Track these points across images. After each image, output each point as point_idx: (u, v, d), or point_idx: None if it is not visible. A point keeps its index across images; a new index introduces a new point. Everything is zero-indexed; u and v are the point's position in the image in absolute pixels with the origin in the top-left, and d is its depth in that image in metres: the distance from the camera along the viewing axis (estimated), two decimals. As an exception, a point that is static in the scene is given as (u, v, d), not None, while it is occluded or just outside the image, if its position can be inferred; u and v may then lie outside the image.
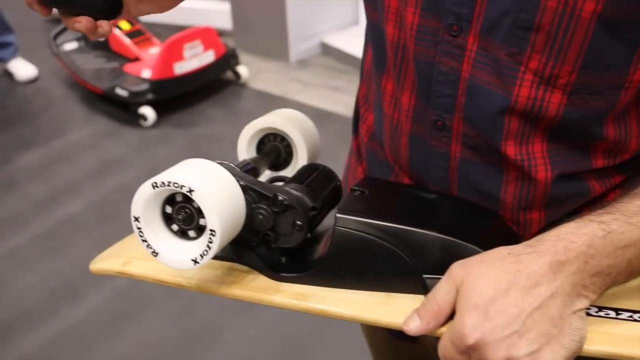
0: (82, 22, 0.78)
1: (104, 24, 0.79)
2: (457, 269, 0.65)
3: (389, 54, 0.84)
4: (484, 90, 0.76)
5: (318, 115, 3.54)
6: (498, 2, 0.71)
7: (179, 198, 0.71)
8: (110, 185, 3.17)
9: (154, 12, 0.84)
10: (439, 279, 0.67)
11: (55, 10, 0.81)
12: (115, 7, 0.81)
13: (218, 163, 0.74)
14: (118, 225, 2.86)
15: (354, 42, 4.22)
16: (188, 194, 0.68)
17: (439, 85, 0.79)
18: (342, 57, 4.19)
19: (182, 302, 2.43)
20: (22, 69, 4.17)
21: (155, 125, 3.61)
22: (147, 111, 3.60)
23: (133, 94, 3.58)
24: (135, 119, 3.62)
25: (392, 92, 0.86)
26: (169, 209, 0.72)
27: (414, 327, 0.66)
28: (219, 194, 0.70)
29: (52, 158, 3.43)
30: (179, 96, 3.74)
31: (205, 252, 0.70)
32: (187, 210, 0.71)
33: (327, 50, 4.32)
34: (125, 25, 3.96)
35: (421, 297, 0.70)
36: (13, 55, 4.17)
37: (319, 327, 2.25)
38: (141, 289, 2.48)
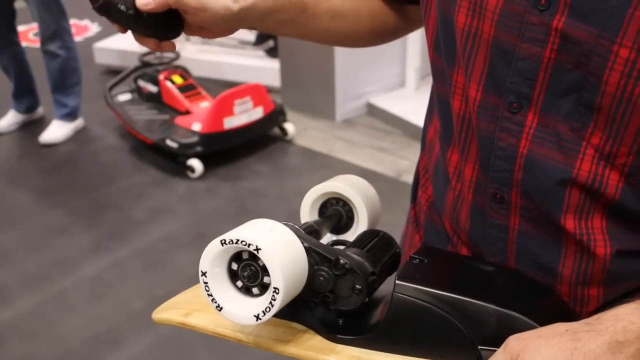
0: (150, 44, 0.92)
1: (166, 45, 0.93)
2: (514, 342, 0.65)
3: (455, 127, 0.86)
4: (543, 165, 0.77)
5: (362, 175, 3.49)
6: (561, 81, 0.73)
7: (245, 256, 0.73)
8: (156, 234, 3.21)
9: (209, 37, 0.97)
10: (494, 351, 0.67)
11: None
12: (177, 31, 0.93)
13: (284, 224, 0.76)
14: (162, 273, 2.91)
15: (399, 103, 4.26)
16: (255, 252, 0.70)
17: (497, 160, 0.80)
18: (387, 118, 4.22)
19: (222, 353, 2.43)
20: (52, 131, 4.11)
21: (202, 177, 3.65)
22: (195, 163, 3.65)
23: (182, 146, 3.64)
24: (183, 170, 3.67)
25: (456, 164, 0.88)
26: (234, 266, 0.74)
27: None
28: (284, 254, 0.72)
29: (102, 204, 3.50)
30: (227, 150, 3.79)
31: (267, 309, 0.72)
32: (252, 267, 0.73)
33: (372, 110, 4.35)
34: (177, 79, 4.05)
35: (476, 367, 0.71)
36: (61, 118, 4.16)
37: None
38: (183, 338, 2.50)
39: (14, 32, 4.06)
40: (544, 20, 0.72)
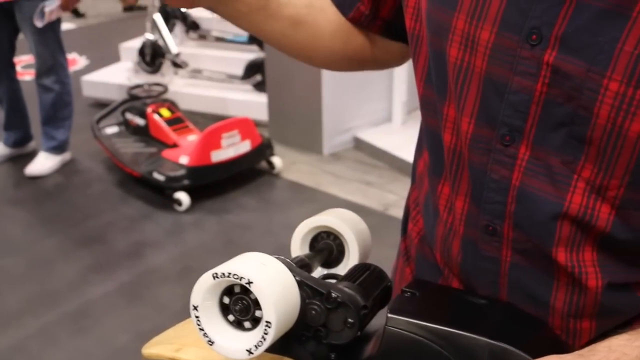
0: None
1: None
2: None
3: (446, 160, 0.86)
4: (535, 197, 0.77)
5: (349, 209, 3.55)
6: (552, 114, 0.74)
7: (237, 289, 0.73)
8: (142, 268, 3.19)
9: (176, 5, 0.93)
10: None
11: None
12: None
13: (275, 257, 0.76)
14: (148, 307, 2.88)
15: (386, 138, 4.29)
16: (247, 285, 0.70)
17: (490, 192, 0.81)
18: (374, 152, 4.25)
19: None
20: (39, 162, 4.12)
21: (189, 210, 3.66)
22: (182, 196, 3.65)
23: (169, 179, 3.65)
24: (169, 204, 3.68)
25: (448, 197, 0.88)
26: (226, 300, 0.73)
27: None
28: (276, 288, 0.71)
29: (88, 237, 3.48)
30: (214, 183, 3.79)
31: (259, 344, 0.71)
32: (244, 301, 0.73)
33: (359, 145, 4.38)
34: (165, 112, 4.06)
35: (469, 401, 0.70)
36: (48, 150, 4.17)
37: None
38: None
39: (12, 68, 4.10)
40: (536, 54, 0.73)
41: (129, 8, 5.59)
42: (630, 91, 0.68)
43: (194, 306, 0.73)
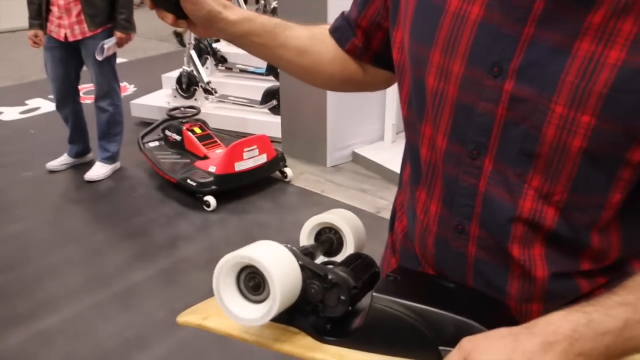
0: (169, 19, 0.93)
1: (180, 22, 0.94)
2: (466, 343, 0.66)
3: (423, 170, 0.86)
4: (496, 202, 0.77)
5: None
6: (509, 133, 0.74)
7: (250, 270, 0.74)
8: (177, 257, 3.19)
9: (194, 32, 0.97)
10: (451, 350, 0.68)
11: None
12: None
13: (284, 245, 0.77)
14: (181, 289, 2.89)
15: (379, 153, 4.27)
16: (258, 267, 0.71)
17: (460, 197, 0.81)
18: (369, 165, 4.24)
19: (231, 355, 2.41)
20: (95, 170, 4.12)
21: (216, 211, 3.65)
22: (210, 199, 3.64)
23: (200, 185, 3.64)
24: (200, 205, 3.67)
25: (424, 201, 0.88)
26: (242, 278, 0.75)
27: None
28: (281, 269, 0.73)
29: (133, 231, 3.49)
30: (237, 189, 3.78)
31: (267, 314, 0.73)
32: (256, 279, 0.74)
33: (357, 159, 4.36)
34: (198, 130, 4.06)
35: (437, 364, 0.71)
36: (102, 160, 4.17)
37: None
38: (198, 342, 2.48)
39: (77, 93, 4.12)
40: (497, 83, 0.73)
41: (178, 35, 5.55)
42: (572, 114, 0.69)
43: (215, 282, 0.74)
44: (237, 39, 0.97)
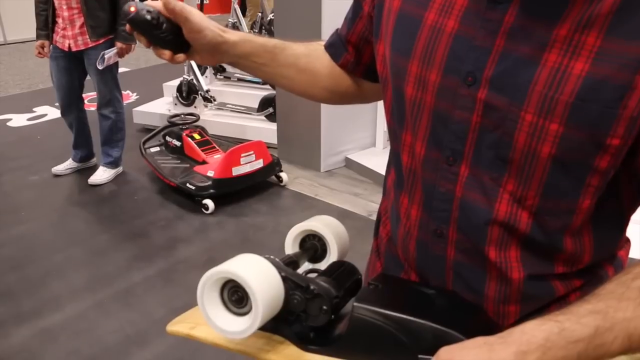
0: (166, 55, 0.91)
1: (178, 57, 0.93)
2: (444, 353, 0.65)
3: (404, 176, 0.86)
4: (472, 206, 0.77)
5: (341, 214, 3.54)
6: (484, 140, 0.74)
7: (233, 284, 0.72)
8: (176, 258, 3.17)
9: (197, 61, 0.97)
10: (430, 358, 0.66)
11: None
12: (186, 48, 0.93)
13: (265, 258, 0.75)
14: (180, 289, 2.87)
15: (370, 159, 4.27)
16: (239, 282, 0.70)
17: (438, 202, 0.80)
18: (361, 170, 4.23)
19: (226, 352, 2.39)
20: (98, 174, 4.10)
21: (214, 213, 3.63)
22: (209, 202, 3.63)
23: (199, 188, 3.63)
24: (198, 208, 3.65)
25: (406, 206, 0.87)
26: (225, 291, 0.73)
27: None
28: (263, 283, 0.71)
29: (134, 233, 3.46)
30: (234, 192, 3.77)
31: (250, 327, 0.71)
32: (239, 293, 0.72)
33: (349, 164, 4.36)
34: (197, 136, 4.04)
35: (416, 372, 0.70)
36: (105, 165, 4.15)
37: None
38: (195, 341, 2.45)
39: (81, 101, 4.10)
40: (472, 92, 0.73)
41: None
42: (541, 121, 0.69)
43: (200, 295, 0.73)
44: (240, 61, 0.98)
